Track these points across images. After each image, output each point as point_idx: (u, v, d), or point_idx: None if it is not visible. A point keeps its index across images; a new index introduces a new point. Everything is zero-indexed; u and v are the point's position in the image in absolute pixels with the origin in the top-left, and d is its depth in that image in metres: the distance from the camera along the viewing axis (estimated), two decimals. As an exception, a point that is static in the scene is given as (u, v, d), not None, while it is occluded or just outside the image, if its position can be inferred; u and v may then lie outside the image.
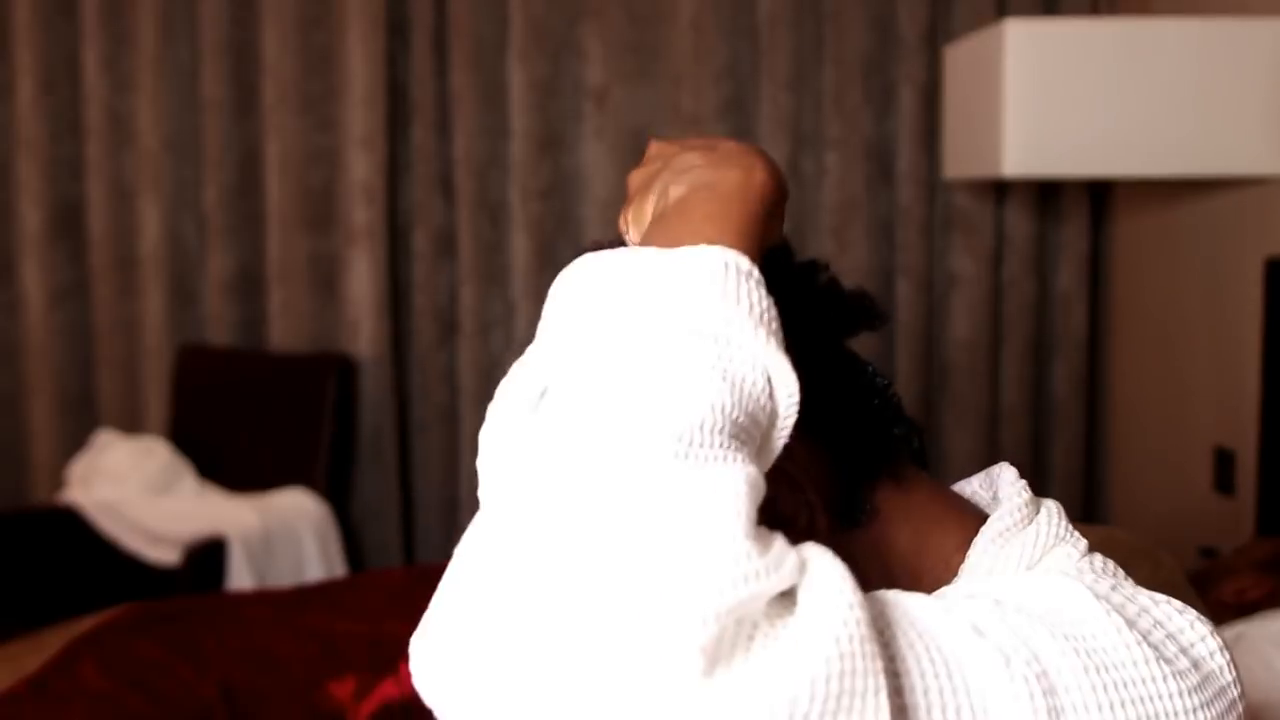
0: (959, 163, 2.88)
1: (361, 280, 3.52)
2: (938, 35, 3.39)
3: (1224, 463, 2.74)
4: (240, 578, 3.08)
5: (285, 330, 3.57)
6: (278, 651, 2.17)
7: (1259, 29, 2.49)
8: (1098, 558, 0.79)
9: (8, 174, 3.66)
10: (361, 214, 3.50)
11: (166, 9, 3.54)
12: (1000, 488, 0.81)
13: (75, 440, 3.58)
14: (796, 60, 3.43)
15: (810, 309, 0.78)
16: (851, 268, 3.43)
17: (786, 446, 0.66)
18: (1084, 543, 0.79)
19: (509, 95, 3.49)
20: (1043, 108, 2.52)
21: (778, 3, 3.40)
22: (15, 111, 3.61)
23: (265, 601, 2.41)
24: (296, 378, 3.50)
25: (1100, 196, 3.44)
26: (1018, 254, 3.42)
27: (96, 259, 3.63)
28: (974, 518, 0.80)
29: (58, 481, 3.52)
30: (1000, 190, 3.42)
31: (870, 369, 0.83)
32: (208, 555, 3.07)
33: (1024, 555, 0.77)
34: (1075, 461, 3.47)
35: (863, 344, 0.82)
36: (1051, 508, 0.80)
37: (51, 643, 2.18)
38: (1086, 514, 3.49)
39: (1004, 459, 3.07)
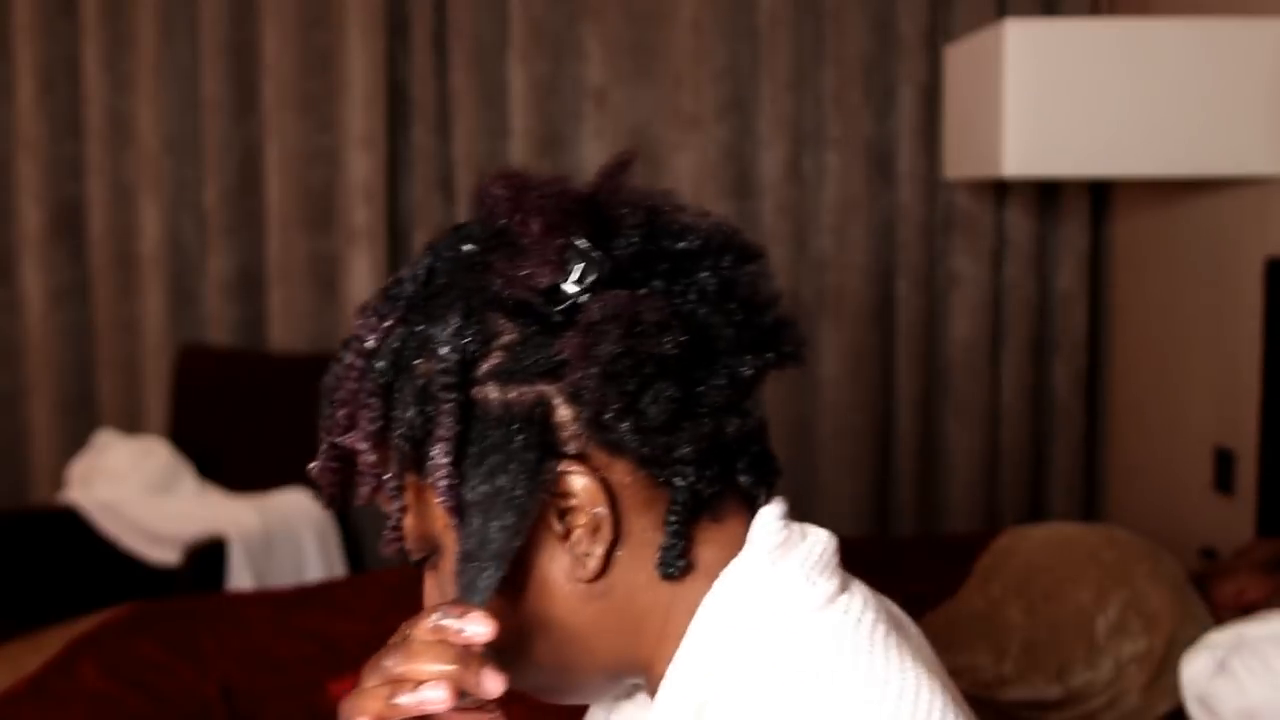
0: (959, 163, 2.88)
1: (361, 280, 3.51)
2: (938, 35, 3.39)
3: (1224, 463, 2.74)
4: (240, 578, 3.08)
5: (285, 330, 3.57)
6: (278, 651, 2.18)
7: (1259, 29, 2.49)
8: (842, 601, 0.74)
9: (8, 174, 3.66)
10: (361, 214, 3.50)
11: (166, 9, 3.54)
12: (754, 527, 0.76)
13: (75, 440, 3.58)
14: (796, 60, 3.43)
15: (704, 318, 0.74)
16: (851, 267, 3.43)
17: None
18: (830, 585, 0.75)
19: (509, 95, 3.49)
20: (1043, 108, 2.52)
21: (778, 3, 3.40)
22: (15, 111, 3.61)
23: (265, 601, 2.41)
24: (296, 378, 3.49)
25: (1100, 196, 3.44)
26: (1018, 254, 3.43)
27: (96, 259, 3.63)
28: None
29: (58, 481, 3.52)
30: (1000, 190, 3.42)
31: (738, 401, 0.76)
32: (208, 555, 3.06)
33: (758, 605, 0.73)
34: (1075, 461, 3.46)
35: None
36: (804, 551, 0.76)
37: (51, 643, 2.18)
38: (1086, 514, 3.49)
39: (1004, 459, 3.09)
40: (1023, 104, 2.50)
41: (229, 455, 3.46)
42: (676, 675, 0.73)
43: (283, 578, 3.14)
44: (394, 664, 0.67)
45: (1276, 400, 2.45)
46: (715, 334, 0.73)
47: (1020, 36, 2.50)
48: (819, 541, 0.76)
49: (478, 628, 0.67)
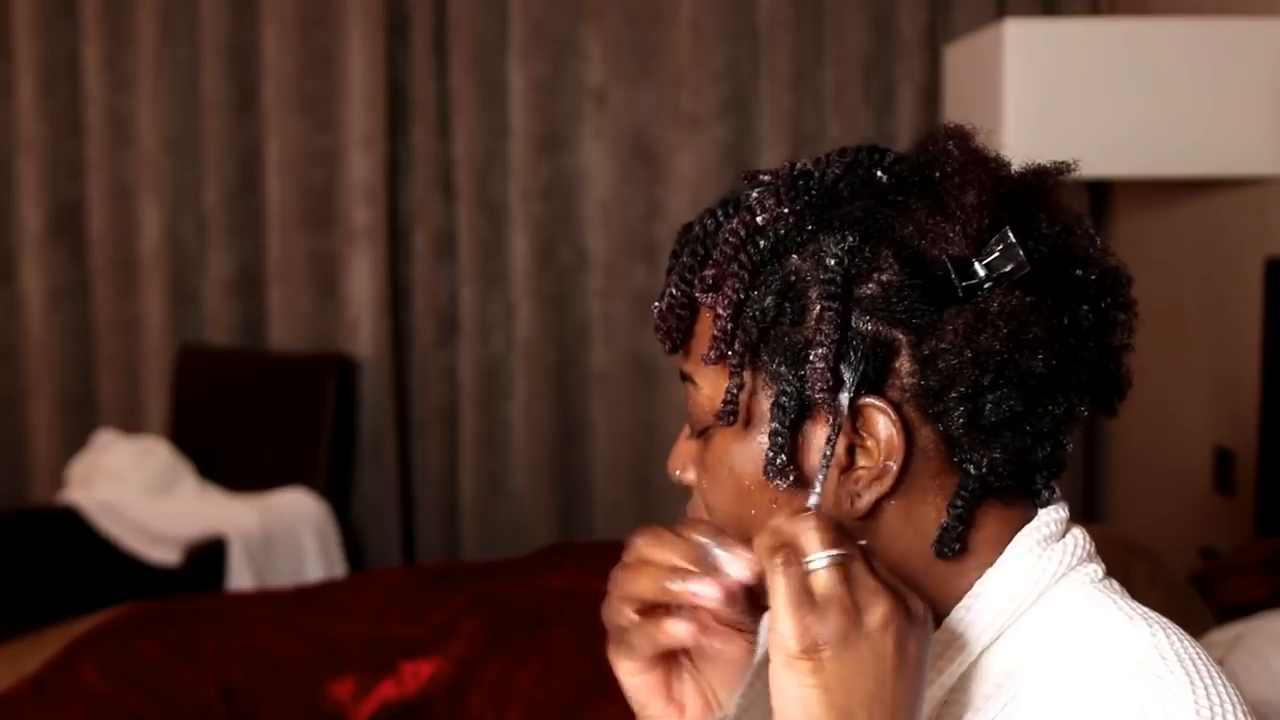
0: (959, 163, 2.87)
1: (361, 280, 3.52)
2: (938, 35, 3.39)
3: (1224, 463, 2.74)
4: (240, 578, 3.08)
5: (285, 330, 3.57)
6: (278, 651, 2.17)
7: (1259, 29, 2.49)
8: (1115, 583, 0.81)
9: (8, 174, 3.65)
10: (361, 214, 3.50)
11: (166, 9, 3.54)
12: (1044, 509, 0.81)
13: (75, 440, 3.58)
14: (796, 60, 3.43)
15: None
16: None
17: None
18: (1104, 567, 0.81)
19: (509, 95, 3.49)
20: (1043, 108, 2.52)
21: (778, 3, 3.40)
22: (15, 111, 3.61)
23: (265, 601, 2.41)
24: (296, 378, 3.49)
25: (1100, 196, 3.44)
26: (1018, 254, 3.43)
27: (96, 259, 3.63)
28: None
29: (58, 481, 3.52)
30: (1000, 190, 3.41)
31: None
32: (208, 555, 3.06)
33: (1060, 563, 0.78)
34: (1075, 461, 3.46)
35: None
36: (1079, 531, 0.82)
37: (51, 643, 2.18)
38: (1086, 514, 3.48)
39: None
40: (1023, 104, 2.50)
41: (229, 455, 3.46)
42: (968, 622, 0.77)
43: (283, 578, 3.14)
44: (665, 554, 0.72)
45: (1276, 400, 2.45)
46: (1074, 368, 0.75)
47: (1020, 36, 2.50)
48: (1084, 532, 0.81)
49: (741, 569, 0.70)
